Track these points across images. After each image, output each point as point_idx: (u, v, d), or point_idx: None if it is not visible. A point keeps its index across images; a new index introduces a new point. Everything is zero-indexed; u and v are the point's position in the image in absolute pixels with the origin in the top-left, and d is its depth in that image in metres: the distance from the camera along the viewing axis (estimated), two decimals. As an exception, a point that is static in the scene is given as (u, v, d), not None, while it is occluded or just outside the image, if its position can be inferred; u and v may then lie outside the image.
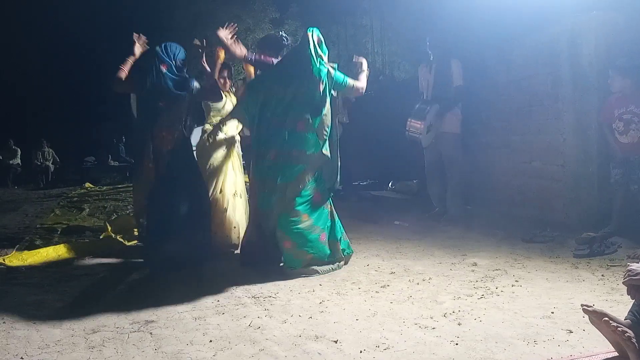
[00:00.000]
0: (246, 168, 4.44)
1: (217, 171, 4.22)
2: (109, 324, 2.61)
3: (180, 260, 3.61)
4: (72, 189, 10.55)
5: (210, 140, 4.23)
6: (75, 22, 16.10)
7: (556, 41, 4.52)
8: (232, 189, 4.25)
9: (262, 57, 3.55)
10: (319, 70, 3.37)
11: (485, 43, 5.44)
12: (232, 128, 4.34)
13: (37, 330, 2.56)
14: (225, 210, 4.19)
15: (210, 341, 2.35)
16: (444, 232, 4.72)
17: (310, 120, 3.37)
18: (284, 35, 3.77)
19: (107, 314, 2.76)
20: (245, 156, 4.68)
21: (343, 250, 3.61)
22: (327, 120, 3.42)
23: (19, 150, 13.55)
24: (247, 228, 3.85)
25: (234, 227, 4.20)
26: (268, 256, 3.62)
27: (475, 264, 3.56)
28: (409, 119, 5.12)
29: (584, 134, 4.36)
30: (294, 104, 3.38)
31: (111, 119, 15.38)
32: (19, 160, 13.47)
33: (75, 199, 8.54)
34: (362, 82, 3.66)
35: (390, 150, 7.56)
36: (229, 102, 4.36)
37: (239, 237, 4.19)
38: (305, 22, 15.45)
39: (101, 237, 4.85)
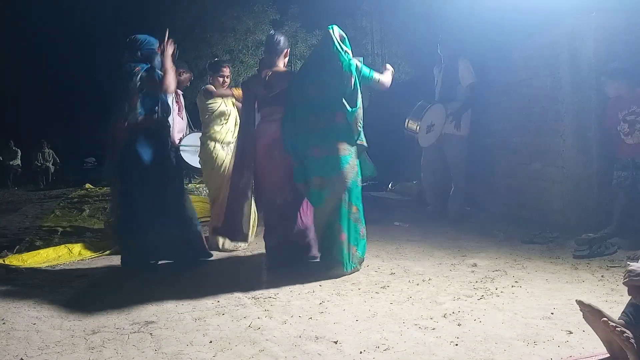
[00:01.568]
0: None
1: (222, 176, 4.27)
2: (109, 325, 2.61)
3: (155, 259, 3.60)
4: (72, 190, 10.55)
5: (212, 148, 4.30)
6: (76, 24, 16.12)
7: (556, 43, 4.52)
8: None
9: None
10: (349, 65, 3.42)
11: (485, 44, 5.44)
12: (229, 135, 4.39)
13: (37, 331, 2.57)
14: None
15: (211, 342, 2.35)
16: (443, 233, 4.72)
17: (347, 112, 3.42)
18: (272, 32, 3.85)
19: (107, 315, 2.76)
20: None
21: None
22: (361, 112, 3.48)
23: (19, 151, 13.57)
24: (268, 229, 3.81)
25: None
26: (296, 256, 3.68)
27: (475, 265, 3.57)
28: (408, 117, 5.12)
29: (584, 135, 4.36)
30: (328, 100, 3.43)
31: (111, 119, 15.38)
32: (19, 161, 13.49)
33: (75, 200, 8.53)
34: (386, 77, 3.72)
35: (390, 151, 7.57)
36: (223, 104, 4.40)
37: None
38: (305, 24, 15.47)
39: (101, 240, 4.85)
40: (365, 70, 3.58)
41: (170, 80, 3.57)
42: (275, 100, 3.62)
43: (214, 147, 4.36)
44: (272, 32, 3.95)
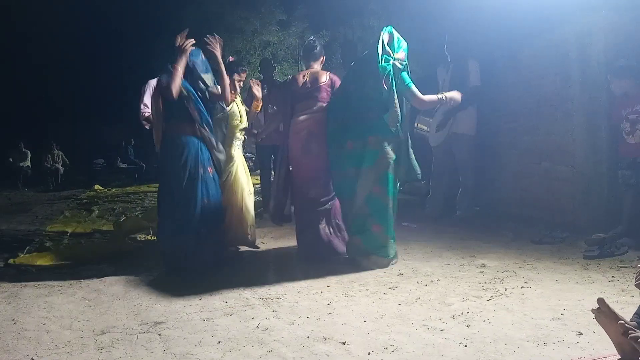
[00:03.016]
0: (255, 168, 4.53)
1: (227, 173, 4.27)
2: (118, 325, 2.62)
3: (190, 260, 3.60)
4: (81, 191, 10.62)
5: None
6: (84, 25, 16.22)
7: (565, 41, 4.49)
8: (246, 188, 4.30)
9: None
10: (383, 68, 3.55)
11: (494, 43, 5.41)
12: (239, 134, 4.38)
13: (47, 331, 2.59)
14: (242, 210, 4.24)
15: (219, 342, 2.36)
16: (452, 233, 4.70)
17: (381, 111, 3.55)
18: (311, 39, 4.19)
19: (116, 315, 2.78)
20: (258, 156, 4.77)
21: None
22: (398, 113, 3.55)
23: (29, 152, 13.66)
24: (300, 226, 3.99)
25: (251, 225, 4.30)
26: (327, 252, 3.85)
27: (484, 266, 3.55)
28: (418, 116, 5.11)
29: (594, 134, 4.32)
30: (365, 97, 3.61)
31: (120, 121, 15.46)
32: (29, 163, 13.58)
33: (84, 201, 8.60)
34: (426, 98, 3.69)
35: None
36: (234, 105, 4.39)
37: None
38: (312, 25, 15.46)
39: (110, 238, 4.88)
40: (405, 77, 3.62)
41: (226, 84, 3.76)
42: (309, 94, 3.91)
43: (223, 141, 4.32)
44: (312, 38, 4.25)
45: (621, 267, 3.37)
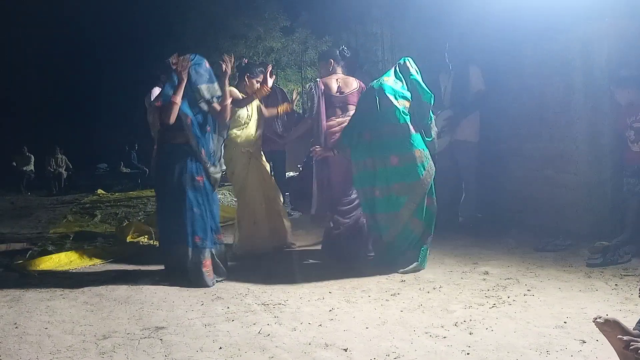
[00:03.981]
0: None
1: (240, 183, 4.28)
2: (120, 330, 2.62)
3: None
4: (84, 195, 10.64)
5: (231, 152, 4.26)
6: (90, 31, 16.32)
7: (568, 49, 4.49)
8: (261, 199, 4.29)
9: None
10: (429, 97, 3.77)
11: (497, 50, 5.42)
12: (250, 139, 4.34)
13: (48, 335, 2.59)
14: (254, 221, 4.23)
15: (220, 348, 2.35)
16: (454, 240, 4.69)
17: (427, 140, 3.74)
18: (344, 48, 4.30)
19: (118, 320, 2.78)
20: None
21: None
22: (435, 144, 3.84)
23: (32, 157, 13.71)
24: (332, 225, 4.05)
25: (266, 236, 4.32)
26: (353, 251, 3.92)
27: (486, 273, 3.53)
28: None
29: (597, 141, 4.32)
30: (398, 119, 3.68)
31: (123, 125, 15.51)
32: (32, 167, 13.63)
33: (87, 205, 8.62)
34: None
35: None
36: (245, 107, 4.34)
37: (277, 241, 4.42)
38: (315, 31, 15.52)
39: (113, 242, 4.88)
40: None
41: (226, 105, 3.70)
42: (344, 99, 4.06)
43: (234, 150, 4.31)
44: (344, 47, 4.34)
45: (624, 275, 3.36)
